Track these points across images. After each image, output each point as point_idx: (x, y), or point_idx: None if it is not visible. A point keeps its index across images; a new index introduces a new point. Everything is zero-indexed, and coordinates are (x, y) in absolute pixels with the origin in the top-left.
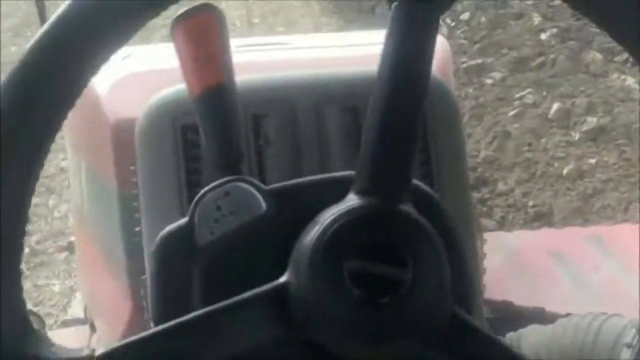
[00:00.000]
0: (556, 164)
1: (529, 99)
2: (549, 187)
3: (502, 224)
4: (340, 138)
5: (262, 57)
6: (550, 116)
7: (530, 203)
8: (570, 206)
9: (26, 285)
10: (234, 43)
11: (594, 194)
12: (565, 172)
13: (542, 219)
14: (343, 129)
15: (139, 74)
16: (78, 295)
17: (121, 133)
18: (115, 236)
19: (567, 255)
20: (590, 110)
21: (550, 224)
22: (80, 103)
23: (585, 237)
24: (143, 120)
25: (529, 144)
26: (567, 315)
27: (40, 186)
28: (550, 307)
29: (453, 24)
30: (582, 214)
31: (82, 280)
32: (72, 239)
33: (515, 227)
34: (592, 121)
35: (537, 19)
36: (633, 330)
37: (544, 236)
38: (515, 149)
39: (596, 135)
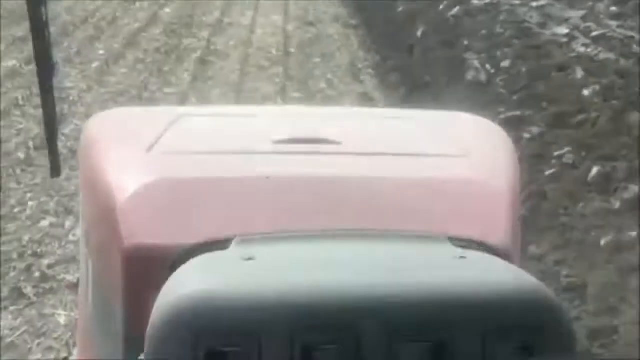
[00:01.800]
0: (594, 233)
1: (568, 159)
2: (584, 257)
3: None
4: None
5: (303, 166)
6: (589, 179)
7: (564, 272)
8: (606, 281)
9: (32, 313)
10: (274, 131)
11: (633, 270)
12: (603, 242)
13: (575, 290)
14: None
15: (164, 183)
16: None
17: (134, 263)
18: None
19: None
20: (632, 176)
21: (583, 298)
22: (96, 198)
23: None
24: (156, 323)
25: (565, 208)
26: None
27: (59, 205)
28: None
29: (493, 70)
30: (619, 291)
31: None
32: None
33: None
34: (634, 189)
35: (580, 73)
36: None
37: None
38: (551, 211)
39: (638, 206)
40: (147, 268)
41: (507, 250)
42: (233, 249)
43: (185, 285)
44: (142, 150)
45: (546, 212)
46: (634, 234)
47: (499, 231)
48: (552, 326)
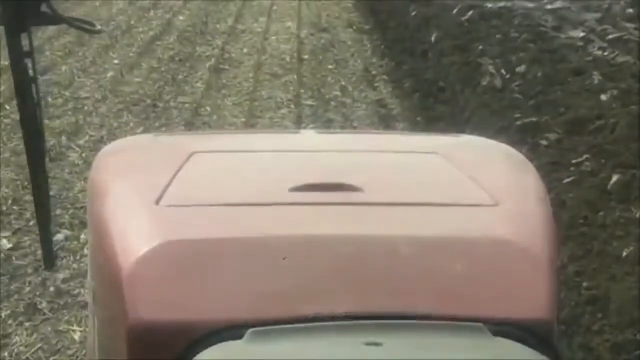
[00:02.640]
0: (615, 244)
1: (587, 167)
2: (605, 268)
3: None
4: None
5: (322, 222)
6: (609, 188)
7: (585, 284)
8: (630, 294)
9: (46, 329)
10: (291, 172)
11: None
12: (625, 254)
13: (596, 304)
14: None
15: (172, 247)
16: None
17: (139, 340)
18: None
19: None
20: None
21: (605, 311)
22: (102, 255)
23: None
24: None
25: (585, 218)
26: None
27: (74, 218)
28: None
29: (508, 76)
30: None
31: None
32: None
33: (566, 309)
34: None
35: (597, 78)
36: None
37: None
38: (570, 221)
39: None
40: (153, 346)
41: (549, 327)
42: (247, 348)
43: None
44: (150, 202)
45: (565, 222)
46: None
47: (540, 305)
48: None
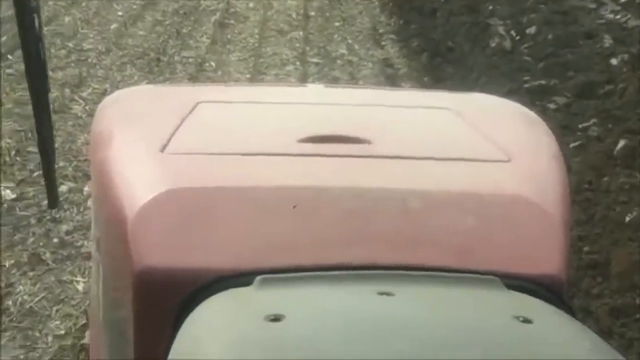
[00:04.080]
0: (618, 209)
1: (593, 131)
2: (608, 233)
3: None
4: None
5: (330, 174)
6: (615, 153)
7: (586, 248)
8: (630, 259)
9: (50, 279)
10: (298, 124)
11: None
12: (627, 219)
13: (597, 268)
14: None
15: (177, 194)
16: None
17: (145, 286)
18: None
19: None
20: None
21: (605, 275)
22: (106, 204)
23: None
24: None
25: (590, 182)
26: None
27: (77, 170)
28: None
29: (518, 37)
30: None
31: None
32: None
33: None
34: None
35: (608, 42)
36: None
37: None
38: (575, 185)
39: None
40: (159, 292)
41: (561, 284)
42: (255, 296)
43: (206, 350)
44: (155, 150)
45: (570, 186)
46: None
47: (552, 261)
48: None
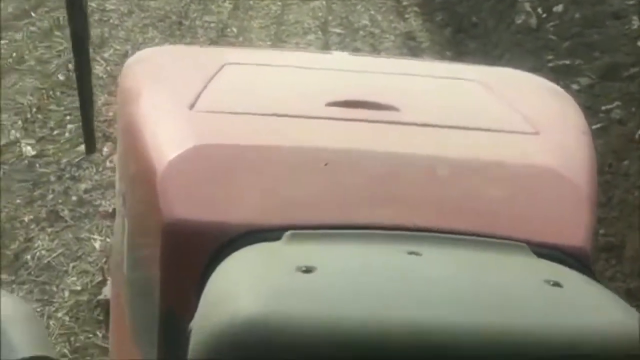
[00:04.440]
0: (636, 193)
1: (616, 114)
2: (625, 217)
3: None
4: None
5: (359, 137)
6: (636, 137)
7: (602, 231)
8: None
9: (67, 236)
10: (326, 88)
11: None
12: None
13: (612, 251)
14: None
15: (208, 149)
16: None
17: (174, 238)
18: (152, 341)
19: None
20: None
21: (619, 258)
22: (134, 158)
23: None
24: (205, 340)
25: (610, 165)
26: None
27: (97, 130)
28: None
29: (544, 15)
30: None
31: (112, 339)
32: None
33: None
34: None
35: (636, 23)
36: None
37: None
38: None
39: None
40: (187, 245)
41: (587, 254)
42: (286, 248)
43: (239, 301)
44: (184, 107)
45: None
46: None
47: (579, 233)
48: None
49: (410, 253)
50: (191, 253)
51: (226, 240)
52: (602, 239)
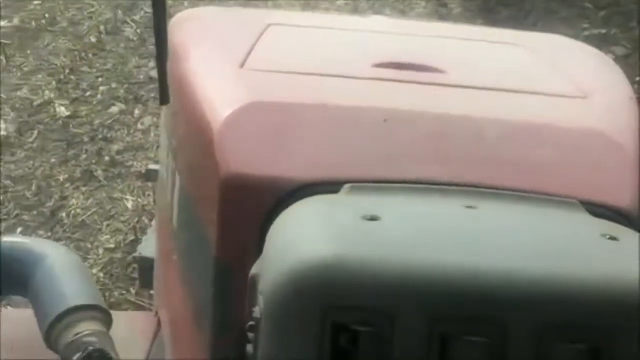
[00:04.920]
0: None
1: None
2: None
3: None
4: None
5: (409, 98)
6: None
7: None
8: None
9: (101, 195)
10: (372, 51)
11: None
12: None
13: None
14: None
15: (264, 106)
16: (149, 232)
17: (232, 192)
18: (206, 298)
19: None
20: None
21: None
22: (186, 116)
23: None
24: (275, 282)
25: None
26: None
27: (129, 93)
28: None
29: None
30: None
31: (159, 281)
32: (150, 166)
33: None
34: None
35: None
36: None
37: None
38: None
39: None
40: (245, 200)
41: (636, 214)
42: (347, 199)
43: (308, 244)
44: (235, 66)
45: None
46: None
47: (628, 194)
48: None
49: (468, 207)
50: (249, 208)
51: (284, 195)
52: None
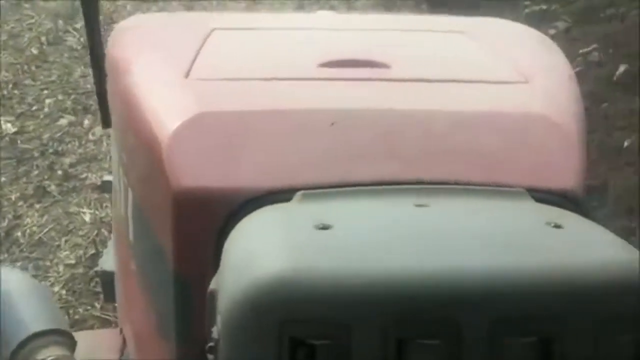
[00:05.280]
0: (616, 134)
1: (594, 57)
2: (605, 159)
3: None
4: None
5: (353, 96)
6: (615, 79)
7: None
8: (627, 184)
9: (57, 210)
10: (316, 50)
11: None
12: (625, 144)
13: (593, 193)
14: None
15: (210, 117)
16: (110, 245)
17: (184, 206)
18: (168, 311)
19: None
20: None
21: (602, 200)
22: (133, 130)
23: None
24: (231, 299)
25: (587, 108)
26: None
27: (76, 104)
28: None
29: None
30: (639, 193)
31: (120, 295)
32: (105, 178)
33: None
34: None
35: None
36: None
37: None
38: None
39: None
40: (199, 212)
41: (581, 197)
42: (299, 208)
43: (262, 259)
44: (180, 75)
45: None
46: None
47: (573, 176)
48: None
49: (418, 205)
50: (202, 221)
51: (237, 206)
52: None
